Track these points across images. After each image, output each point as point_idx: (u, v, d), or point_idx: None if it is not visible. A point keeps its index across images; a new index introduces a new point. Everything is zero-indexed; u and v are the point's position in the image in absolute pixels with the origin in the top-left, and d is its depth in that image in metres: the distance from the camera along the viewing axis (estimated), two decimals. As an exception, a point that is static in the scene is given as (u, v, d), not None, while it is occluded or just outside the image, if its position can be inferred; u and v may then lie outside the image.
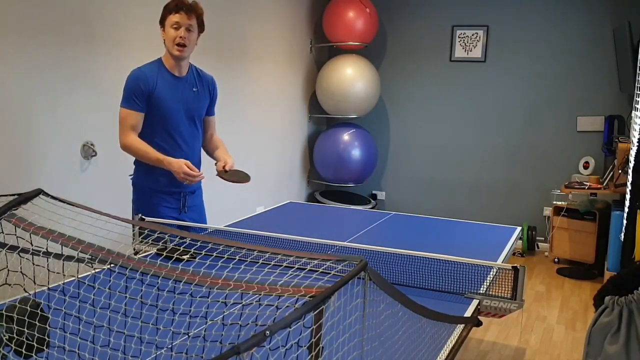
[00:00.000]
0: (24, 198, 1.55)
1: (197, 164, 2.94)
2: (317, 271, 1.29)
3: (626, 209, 4.24)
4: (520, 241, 5.59)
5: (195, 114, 2.89)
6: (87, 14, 3.41)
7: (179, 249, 1.81)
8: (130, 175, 2.94)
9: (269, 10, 5.27)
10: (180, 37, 2.69)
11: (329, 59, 6.12)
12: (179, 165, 2.69)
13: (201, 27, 2.80)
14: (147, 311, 1.40)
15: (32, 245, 1.47)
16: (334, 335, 1.29)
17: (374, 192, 6.52)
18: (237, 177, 2.89)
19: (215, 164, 2.94)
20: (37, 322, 1.37)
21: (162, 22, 2.74)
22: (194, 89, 2.87)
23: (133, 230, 2.73)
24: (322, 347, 1.17)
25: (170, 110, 2.79)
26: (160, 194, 2.86)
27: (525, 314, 4.14)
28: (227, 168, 2.86)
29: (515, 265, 2.22)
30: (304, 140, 6.21)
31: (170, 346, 1.57)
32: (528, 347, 3.63)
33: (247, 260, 1.46)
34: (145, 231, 2.63)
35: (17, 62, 3.04)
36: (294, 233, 2.81)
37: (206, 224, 3.11)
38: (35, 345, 1.36)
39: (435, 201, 6.25)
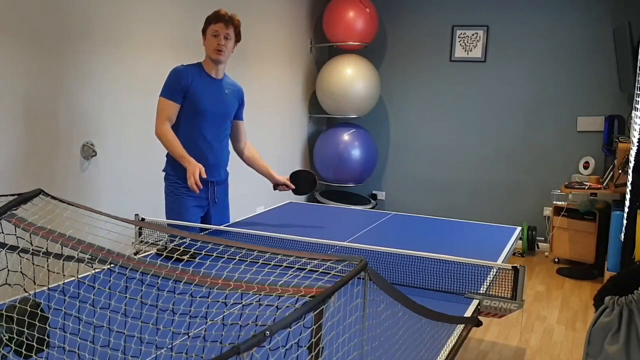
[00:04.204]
0: (24, 198, 1.55)
1: (223, 161, 3.22)
2: (317, 271, 1.29)
3: (626, 209, 4.23)
4: (520, 241, 5.59)
5: (226, 112, 3.15)
6: (88, 15, 3.41)
7: (179, 249, 1.81)
8: (164, 169, 3.13)
9: (269, 10, 5.27)
10: (219, 43, 3.00)
11: (329, 59, 6.12)
12: (193, 167, 2.88)
13: (238, 37, 3.13)
14: (147, 311, 1.40)
15: (32, 245, 1.47)
16: (334, 335, 1.29)
17: (374, 192, 6.52)
18: (305, 187, 3.40)
19: (275, 186, 3.38)
20: (37, 322, 1.37)
21: (204, 31, 3.05)
22: (227, 90, 3.15)
23: (142, 231, 2.73)
24: (322, 347, 1.17)
25: (203, 106, 3.03)
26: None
27: (525, 314, 4.14)
28: (285, 186, 3.35)
29: (515, 265, 2.22)
30: (304, 140, 6.21)
31: (170, 346, 1.57)
32: (528, 347, 3.63)
33: (247, 260, 1.46)
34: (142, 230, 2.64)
35: (17, 62, 3.04)
36: (294, 233, 2.81)
37: (229, 217, 3.33)
38: (35, 345, 1.36)
39: (435, 201, 6.25)
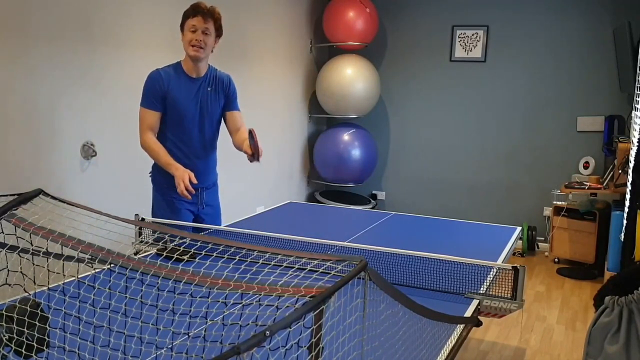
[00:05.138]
0: (24, 198, 1.55)
1: (212, 165, 3.10)
2: (317, 271, 1.29)
3: (626, 209, 4.24)
4: (520, 241, 5.59)
5: (208, 112, 2.98)
6: (88, 15, 3.41)
7: (179, 249, 1.81)
8: (150, 172, 3.04)
9: (269, 10, 5.27)
10: (197, 39, 2.80)
11: (329, 59, 6.12)
12: (182, 174, 2.73)
13: (219, 31, 2.91)
14: (147, 311, 1.40)
15: (32, 245, 1.47)
16: (334, 335, 1.29)
17: (374, 192, 6.52)
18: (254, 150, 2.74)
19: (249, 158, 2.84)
20: (37, 322, 1.37)
21: (182, 26, 2.87)
22: (209, 88, 2.97)
23: (140, 230, 2.73)
24: (322, 347, 1.17)
25: (184, 110, 2.89)
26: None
27: (525, 314, 4.14)
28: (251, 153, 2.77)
29: (515, 265, 2.22)
30: (304, 140, 6.21)
31: (170, 346, 1.57)
32: (528, 347, 3.63)
33: (247, 260, 1.46)
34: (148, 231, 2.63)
35: (17, 62, 3.04)
36: (294, 233, 2.81)
37: (220, 220, 3.22)
38: (35, 345, 1.36)
39: (435, 201, 6.25)
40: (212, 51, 2.92)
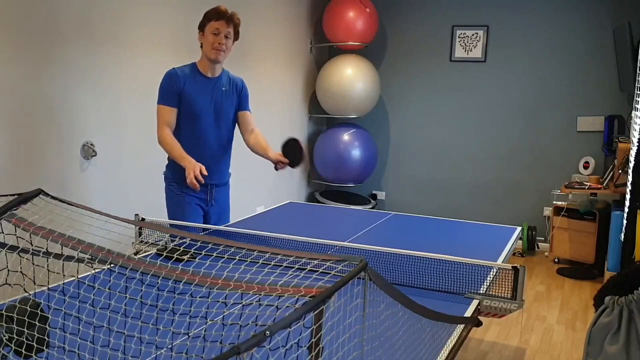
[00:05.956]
0: (24, 198, 1.55)
1: (223, 163, 3.18)
2: (317, 271, 1.29)
3: (626, 209, 4.24)
4: (520, 241, 5.59)
5: (223, 111, 3.08)
6: (88, 14, 3.41)
7: (179, 249, 1.81)
8: (164, 171, 3.12)
9: (269, 10, 5.27)
10: (219, 42, 2.94)
11: (329, 59, 6.12)
12: (192, 165, 2.79)
13: (236, 36, 3.06)
14: (147, 311, 1.40)
15: (32, 245, 1.47)
16: (334, 335, 1.29)
17: (374, 192, 6.52)
18: (296, 157, 3.16)
19: (275, 167, 3.18)
20: (37, 322, 1.37)
21: (202, 27, 2.97)
22: (223, 88, 3.08)
23: (140, 230, 2.73)
24: (322, 347, 1.17)
25: (199, 107, 2.99)
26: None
27: (525, 314, 4.14)
28: (281, 162, 3.12)
29: (515, 265, 2.22)
30: (304, 140, 6.21)
31: (170, 346, 1.57)
32: (528, 347, 3.63)
33: (247, 260, 1.46)
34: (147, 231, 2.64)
35: (17, 62, 3.04)
36: (294, 233, 2.81)
37: (229, 218, 3.30)
38: (35, 345, 1.36)
39: (435, 201, 6.25)
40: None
